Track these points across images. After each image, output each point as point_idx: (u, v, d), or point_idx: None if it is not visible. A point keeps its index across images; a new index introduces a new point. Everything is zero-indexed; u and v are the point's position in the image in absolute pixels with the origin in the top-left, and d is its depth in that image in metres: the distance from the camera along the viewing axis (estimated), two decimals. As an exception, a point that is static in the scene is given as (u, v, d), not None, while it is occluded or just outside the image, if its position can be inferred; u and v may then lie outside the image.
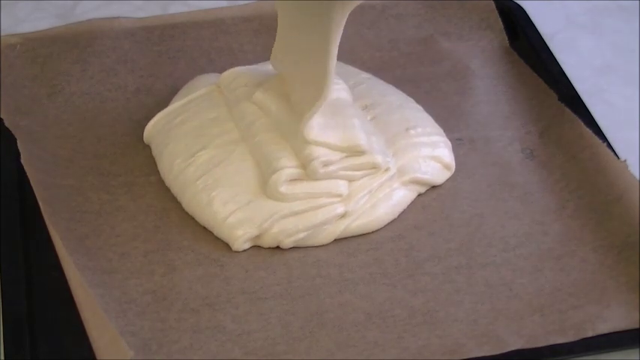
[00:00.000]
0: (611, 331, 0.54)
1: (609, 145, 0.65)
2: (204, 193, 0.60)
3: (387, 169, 0.62)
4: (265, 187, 0.60)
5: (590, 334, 0.54)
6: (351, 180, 0.61)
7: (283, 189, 0.59)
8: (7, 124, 0.64)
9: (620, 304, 0.56)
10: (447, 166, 0.64)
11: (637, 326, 0.55)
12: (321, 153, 0.60)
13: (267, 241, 0.59)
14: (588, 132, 0.65)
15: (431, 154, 0.64)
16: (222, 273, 0.58)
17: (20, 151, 0.61)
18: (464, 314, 0.55)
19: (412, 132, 0.64)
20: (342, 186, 0.60)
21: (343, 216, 0.60)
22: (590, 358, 0.54)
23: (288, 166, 0.59)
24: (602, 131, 0.67)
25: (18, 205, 0.60)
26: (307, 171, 0.59)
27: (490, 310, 0.56)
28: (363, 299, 0.56)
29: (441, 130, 0.66)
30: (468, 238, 0.60)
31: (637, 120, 0.71)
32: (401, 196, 0.62)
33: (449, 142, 0.66)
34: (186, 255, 0.59)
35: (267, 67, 0.67)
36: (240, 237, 0.59)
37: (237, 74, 0.66)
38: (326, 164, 0.60)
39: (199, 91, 0.67)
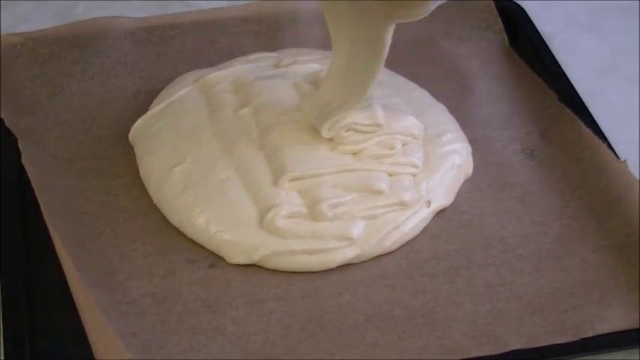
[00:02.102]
0: (611, 331, 0.55)
1: (609, 145, 0.65)
2: (185, 212, 0.59)
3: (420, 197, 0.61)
4: (260, 218, 0.58)
5: (590, 334, 0.54)
6: (371, 219, 0.59)
7: (281, 223, 0.58)
8: (7, 124, 0.64)
9: (620, 304, 0.56)
10: (467, 174, 0.64)
11: (637, 326, 0.55)
12: (329, 195, 0.59)
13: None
14: (588, 132, 0.66)
15: (459, 163, 0.64)
16: (222, 275, 0.58)
17: (21, 151, 0.61)
18: (464, 315, 0.55)
19: (444, 138, 0.65)
20: (355, 227, 0.58)
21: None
22: (590, 358, 0.54)
23: (288, 204, 0.59)
24: (602, 131, 0.67)
25: (18, 206, 0.60)
26: (313, 212, 0.58)
27: (490, 310, 0.56)
28: (363, 300, 0.56)
29: (462, 133, 0.67)
30: (468, 239, 0.60)
31: (637, 120, 0.71)
32: (426, 223, 0.61)
33: (469, 147, 0.66)
34: (186, 257, 0.59)
35: (249, 65, 0.67)
36: (230, 258, 0.58)
37: (220, 79, 0.66)
38: (335, 206, 0.58)
39: (179, 92, 0.66)
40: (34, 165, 0.61)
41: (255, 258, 0.58)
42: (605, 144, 0.65)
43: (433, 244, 0.60)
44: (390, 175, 0.61)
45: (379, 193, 0.60)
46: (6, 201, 0.60)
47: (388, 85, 0.69)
